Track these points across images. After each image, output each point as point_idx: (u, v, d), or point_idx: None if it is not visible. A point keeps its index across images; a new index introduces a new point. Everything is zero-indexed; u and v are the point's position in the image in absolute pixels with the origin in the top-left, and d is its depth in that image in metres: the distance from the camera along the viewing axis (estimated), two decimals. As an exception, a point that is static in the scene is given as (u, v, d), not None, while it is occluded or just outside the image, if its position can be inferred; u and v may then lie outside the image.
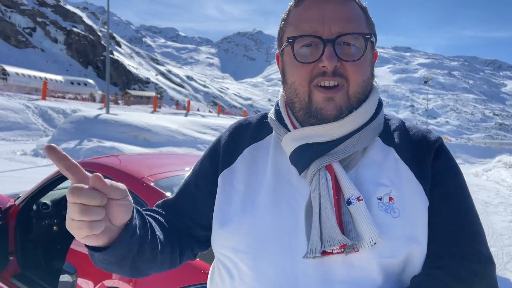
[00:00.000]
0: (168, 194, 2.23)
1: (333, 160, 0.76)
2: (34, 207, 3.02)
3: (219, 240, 0.83)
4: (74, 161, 0.67)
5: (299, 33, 0.77)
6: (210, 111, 60.82)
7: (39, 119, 22.42)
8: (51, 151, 0.65)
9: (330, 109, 0.76)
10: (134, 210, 0.74)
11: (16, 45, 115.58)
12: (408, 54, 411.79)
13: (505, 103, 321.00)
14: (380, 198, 0.74)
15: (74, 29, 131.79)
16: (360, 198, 0.72)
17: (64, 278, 2.26)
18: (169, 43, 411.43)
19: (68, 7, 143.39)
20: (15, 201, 3.02)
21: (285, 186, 0.81)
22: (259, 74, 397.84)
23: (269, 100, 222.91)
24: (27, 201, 2.94)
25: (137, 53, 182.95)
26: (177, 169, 2.61)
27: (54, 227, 3.13)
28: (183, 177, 2.54)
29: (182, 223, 0.89)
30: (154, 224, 0.83)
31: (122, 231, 0.70)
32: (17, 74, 56.95)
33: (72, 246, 2.30)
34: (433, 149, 0.80)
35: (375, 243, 0.70)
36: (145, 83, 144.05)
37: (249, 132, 0.91)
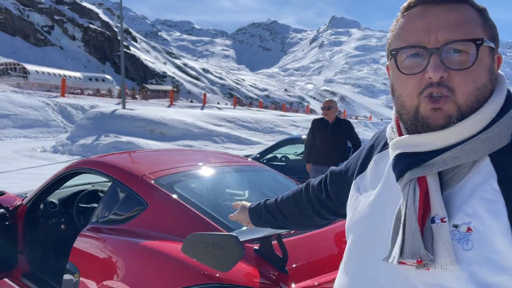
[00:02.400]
0: (170, 193, 2.19)
1: (427, 172, 0.74)
2: (41, 206, 3.04)
3: None
4: None
5: (403, 44, 0.76)
6: (220, 103, 60.83)
7: (58, 116, 22.81)
8: None
9: (437, 118, 0.73)
10: (254, 210, 1.37)
11: (35, 43, 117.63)
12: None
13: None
14: (456, 226, 0.69)
15: (91, 25, 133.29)
16: (444, 220, 0.69)
17: (67, 277, 2.26)
18: (185, 36, 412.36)
19: (84, 4, 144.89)
20: (22, 200, 3.04)
21: (386, 190, 0.83)
22: (274, 65, 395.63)
23: (285, 90, 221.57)
24: (34, 200, 2.96)
25: (153, 48, 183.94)
26: (179, 165, 2.57)
27: (62, 226, 3.15)
28: (185, 173, 2.52)
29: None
30: (285, 208, 1.28)
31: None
32: (37, 72, 58.09)
33: (75, 245, 2.29)
34: None
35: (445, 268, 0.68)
36: (162, 77, 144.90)
37: (383, 141, 0.94)
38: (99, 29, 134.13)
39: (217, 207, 2.28)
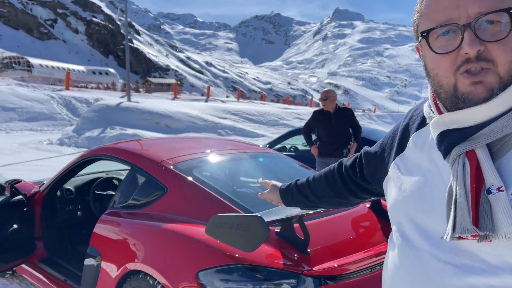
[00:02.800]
0: (190, 178, 2.21)
1: (475, 145, 0.72)
2: (58, 193, 3.08)
3: None
4: None
5: (433, 24, 0.74)
6: (227, 96, 60.73)
7: (63, 109, 22.86)
8: None
9: (478, 93, 0.71)
10: (285, 190, 1.37)
11: (38, 37, 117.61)
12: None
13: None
14: None
15: (94, 19, 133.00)
16: (501, 189, 0.68)
17: (89, 261, 2.29)
18: (188, 29, 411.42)
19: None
20: (39, 187, 3.08)
21: (432, 168, 0.82)
22: (278, 58, 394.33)
23: (289, 83, 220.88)
24: (51, 187, 2.99)
25: (156, 41, 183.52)
26: (196, 152, 2.59)
27: (78, 212, 3.19)
28: (203, 159, 2.54)
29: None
30: (315, 187, 1.29)
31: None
32: (41, 65, 58.13)
33: (96, 229, 2.33)
34: None
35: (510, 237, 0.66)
36: (165, 70, 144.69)
37: (418, 119, 0.92)
38: (102, 22, 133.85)
39: (235, 191, 2.31)
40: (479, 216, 0.68)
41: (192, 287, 1.74)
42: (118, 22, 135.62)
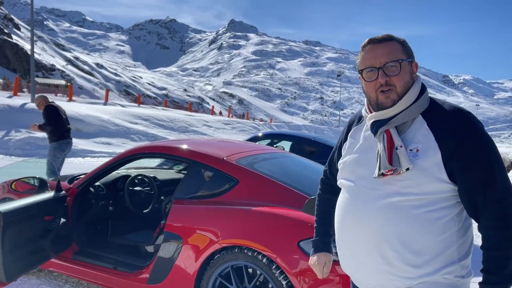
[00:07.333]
0: (260, 172, 2.64)
1: (389, 127, 1.39)
2: (92, 189, 3.20)
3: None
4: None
5: (364, 66, 1.43)
6: (117, 100, 58.19)
7: None
8: None
9: (387, 102, 1.39)
10: (326, 246, 1.71)
11: None
12: (317, 48, 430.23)
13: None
14: (411, 149, 1.34)
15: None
16: (401, 146, 1.34)
17: (167, 246, 2.55)
18: (75, 28, 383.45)
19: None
20: (70, 184, 3.18)
21: (366, 143, 1.48)
22: (173, 64, 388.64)
23: (185, 90, 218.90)
24: (87, 184, 3.12)
25: (40, 37, 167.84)
26: (242, 151, 3.01)
27: (110, 207, 3.33)
28: (255, 157, 2.97)
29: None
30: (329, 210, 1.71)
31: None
32: None
33: (170, 218, 2.60)
34: (456, 123, 1.33)
35: (408, 169, 1.31)
36: (49, 70, 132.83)
37: (357, 118, 1.60)
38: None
39: (293, 180, 2.78)
40: (392, 160, 1.34)
41: (295, 253, 2.20)
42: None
